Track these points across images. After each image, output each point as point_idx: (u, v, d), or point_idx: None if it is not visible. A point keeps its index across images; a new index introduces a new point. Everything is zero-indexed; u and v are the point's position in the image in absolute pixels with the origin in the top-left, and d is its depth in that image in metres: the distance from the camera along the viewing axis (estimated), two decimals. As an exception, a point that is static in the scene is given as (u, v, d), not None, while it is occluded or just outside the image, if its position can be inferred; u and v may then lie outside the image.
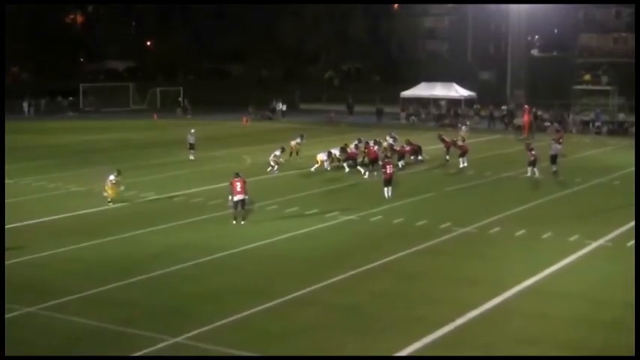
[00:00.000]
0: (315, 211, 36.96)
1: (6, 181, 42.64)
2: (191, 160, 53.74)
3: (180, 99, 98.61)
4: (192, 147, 54.80)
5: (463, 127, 67.14)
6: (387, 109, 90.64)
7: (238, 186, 34.07)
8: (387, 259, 28.81)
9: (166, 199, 40.31)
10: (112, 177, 37.87)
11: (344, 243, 31.52)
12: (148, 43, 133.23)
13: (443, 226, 34.01)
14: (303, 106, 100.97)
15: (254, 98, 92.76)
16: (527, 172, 47.10)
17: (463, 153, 51.04)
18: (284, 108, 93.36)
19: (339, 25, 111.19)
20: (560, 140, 54.77)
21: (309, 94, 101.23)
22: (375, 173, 45.34)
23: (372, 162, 47.84)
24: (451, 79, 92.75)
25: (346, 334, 21.50)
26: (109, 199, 38.04)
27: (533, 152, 47.25)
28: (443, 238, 32.21)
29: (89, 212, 36.94)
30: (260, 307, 23.35)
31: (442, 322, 22.09)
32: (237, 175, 35.01)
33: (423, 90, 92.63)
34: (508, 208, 38.00)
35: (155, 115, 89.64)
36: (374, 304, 24.00)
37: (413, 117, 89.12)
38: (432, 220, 35.14)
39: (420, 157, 52.63)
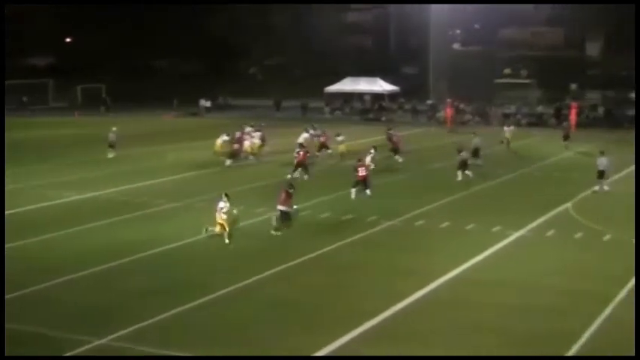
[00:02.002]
0: (243, 207, 37.17)
1: None
2: (112, 159, 53.25)
3: (103, 96, 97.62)
4: (112, 145, 54.30)
5: (505, 128, 61.99)
6: (312, 104, 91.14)
7: (282, 197, 32.87)
8: (318, 252, 29.38)
9: (89, 198, 39.95)
10: (221, 204, 30.98)
11: (274, 238, 31.90)
12: (68, 40, 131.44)
13: (369, 219, 34.67)
14: (227, 102, 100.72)
15: (178, 95, 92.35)
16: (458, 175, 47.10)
17: (396, 149, 51.71)
18: (208, 104, 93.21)
19: (262, 20, 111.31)
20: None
21: (233, 89, 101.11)
22: (306, 177, 45.15)
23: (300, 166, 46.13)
24: (375, 73, 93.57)
25: (282, 328, 21.94)
26: (222, 232, 30.91)
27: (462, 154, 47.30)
28: (371, 231, 32.90)
29: (8, 214, 35.29)
30: (193, 304, 23.57)
31: (376, 313, 22.67)
32: (290, 185, 33.82)
33: (347, 85, 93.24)
34: (432, 200, 38.83)
35: (76, 113, 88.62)
36: (308, 297, 24.52)
37: (337, 111, 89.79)
38: (358, 213, 35.78)
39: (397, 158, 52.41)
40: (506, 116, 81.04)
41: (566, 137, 58.73)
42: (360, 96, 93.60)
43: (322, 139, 53.95)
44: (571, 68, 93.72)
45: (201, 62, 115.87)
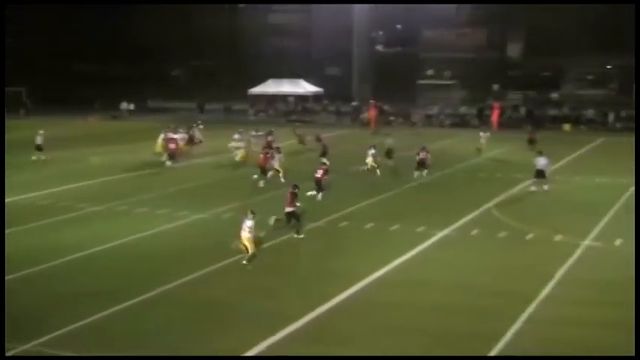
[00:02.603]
0: (166, 210, 36.92)
1: None
2: (37, 162, 52.55)
3: (24, 99, 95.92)
4: (39, 148, 53.56)
5: (481, 134, 59.77)
6: (236, 106, 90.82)
7: (288, 198, 32.70)
8: (241, 255, 29.06)
9: (11, 202, 39.11)
10: (248, 222, 27.99)
11: (198, 241, 31.69)
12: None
13: (293, 221, 34.46)
14: (151, 104, 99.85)
15: (101, 97, 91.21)
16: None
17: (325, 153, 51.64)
18: (132, 107, 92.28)
19: (186, 22, 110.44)
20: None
21: (157, 92, 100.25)
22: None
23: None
24: (298, 75, 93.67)
25: (204, 330, 21.76)
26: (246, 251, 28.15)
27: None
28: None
29: None
30: (116, 308, 23.29)
31: (300, 315, 22.57)
32: (294, 186, 33.38)
33: (270, 87, 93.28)
34: (356, 202, 38.87)
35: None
36: (231, 300, 24.34)
37: (261, 113, 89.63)
38: (282, 216, 35.55)
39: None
40: (430, 117, 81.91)
41: (531, 141, 57.78)
42: (283, 98, 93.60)
43: (270, 138, 54.15)
44: (493, 69, 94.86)
45: (124, 65, 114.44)
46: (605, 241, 31.10)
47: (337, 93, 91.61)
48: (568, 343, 20.71)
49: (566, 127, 76.65)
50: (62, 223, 34.98)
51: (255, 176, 44.14)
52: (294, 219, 32.65)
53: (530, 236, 32.03)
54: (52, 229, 33.78)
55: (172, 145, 51.87)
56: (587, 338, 20.97)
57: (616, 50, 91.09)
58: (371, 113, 77.19)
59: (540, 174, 41.96)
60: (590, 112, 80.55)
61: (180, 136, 54.95)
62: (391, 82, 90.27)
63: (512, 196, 41.06)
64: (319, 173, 39.92)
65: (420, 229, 33.11)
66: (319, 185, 39.71)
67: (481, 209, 37.16)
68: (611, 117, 78.66)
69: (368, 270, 27.01)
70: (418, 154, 46.41)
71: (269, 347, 20.51)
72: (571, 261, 28.28)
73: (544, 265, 27.63)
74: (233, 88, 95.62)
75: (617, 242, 30.79)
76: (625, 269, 27.11)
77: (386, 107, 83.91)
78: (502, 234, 32.38)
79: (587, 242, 30.93)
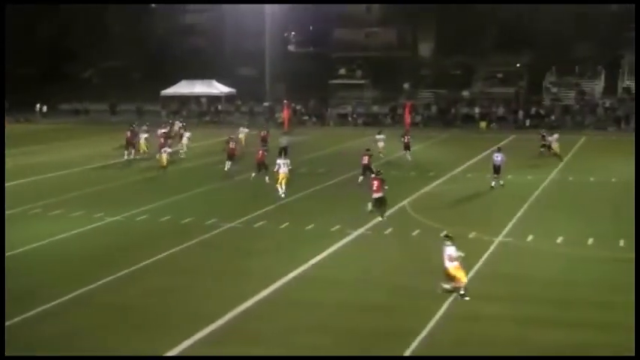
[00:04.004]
0: (81, 212, 36.41)
1: None
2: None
3: None
4: None
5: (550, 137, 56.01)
6: (149, 107, 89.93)
7: (375, 185, 34.96)
8: (158, 257, 28.89)
9: None
10: (449, 250, 24.57)
11: (113, 243, 31.27)
12: None
13: (209, 222, 34.34)
14: (64, 106, 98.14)
15: (12, 99, 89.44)
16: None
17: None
18: (44, 109, 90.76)
19: (98, 22, 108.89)
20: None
21: (69, 93, 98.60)
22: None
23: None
24: (211, 75, 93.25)
25: (122, 333, 21.52)
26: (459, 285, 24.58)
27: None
28: (211, 234, 32.55)
29: None
30: (33, 312, 22.93)
31: (217, 316, 22.40)
32: (377, 173, 36.42)
33: (183, 87, 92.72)
34: (271, 202, 38.81)
35: None
36: (148, 302, 24.11)
37: (174, 114, 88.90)
38: (197, 217, 35.40)
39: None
40: (343, 116, 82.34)
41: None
42: (196, 99, 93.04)
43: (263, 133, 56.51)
44: (404, 68, 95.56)
45: (35, 66, 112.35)
46: (517, 237, 31.51)
47: (250, 93, 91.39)
48: (482, 339, 20.90)
49: (482, 124, 77.70)
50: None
51: (253, 174, 44.58)
52: (382, 204, 34.93)
53: (444, 234, 32.20)
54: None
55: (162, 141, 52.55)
56: (501, 334, 21.19)
57: (525, 49, 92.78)
58: (285, 113, 77.17)
59: (497, 169, 42.78)
60: (500, 110, 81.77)
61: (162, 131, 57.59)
62: (304, 82, 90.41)
63: (426, 194, 41.43)
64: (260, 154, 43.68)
65: (335, 228, 33.14)
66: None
67: (395, 208, 37.32)
68: (520, 114, 79.89)
69: (284, 269, 26.93)
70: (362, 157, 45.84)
71: (184, 350, 20.31)
72: (484, 257, 28.59)
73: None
74: (145, 89, 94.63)
75: (529, 238, 31.25)
76: (536, 264, 27.56)
77: (299, 107, 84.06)
78: (416, 232, 32.59)
79: (500, 239, 31.31)
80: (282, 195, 39.92)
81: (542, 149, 54.28)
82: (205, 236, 32.15)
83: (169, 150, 50.11)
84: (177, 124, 61.63)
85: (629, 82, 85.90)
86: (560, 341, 20.59)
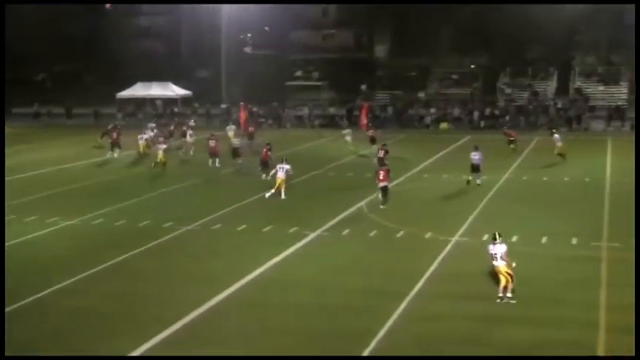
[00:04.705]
0: (34, 217, 36.04)
1: None
2: None
3: None
4: None
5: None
6: (105, 111, 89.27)
7: (381, 175, 37.96)
8: (115, 261, 28.73)
9: None
10: (497, 247, 24.05)
11: (69, 248, 31.05)
12: None
13: (166, 225, 34.19)
14: (15, 110, 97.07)
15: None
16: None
17: (214, 154, 51.53)
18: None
19: (52, 24, 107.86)
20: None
21: (22, 97, 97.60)
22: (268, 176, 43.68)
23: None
24: (168, 78, 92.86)
25: (79, 338, 21.39)
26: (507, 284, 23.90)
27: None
28: (168, 237, 32.40)
29: None
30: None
31: (175, 319, 22.32)
32: (382, 164, 40.83)
33: (139, 90, 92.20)
34: (228, 204, 38.69)
35: None
36: (106, 306, 23.95)
37: (130, 117, 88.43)
38: (154, 220, 35.24)
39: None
40: (300, 118, 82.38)
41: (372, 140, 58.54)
42: (152, 101, 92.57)
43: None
44: (361, 70, 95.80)
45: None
46: (472, 236, 31.72)
47: (207, 96, 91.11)
48: (440, 338, 21.02)
49: (443, 125, 78.09)
50: None
51: (264, 176, 44.69)
52: (385, 193, 38.06)
53: (400, 234, 32.42)
54: None
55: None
56: (459, 332, 21.32)
57: (480, 50, 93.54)
58: (241, 115, 76.91)
59: (475, 168, 43.04)
60: (456, 111, 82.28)
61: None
62: (261, 84, 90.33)
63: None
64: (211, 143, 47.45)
65: (293, 229, 33.14)
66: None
67: (352, 209, 37.44)
68: (475, 115, 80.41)
69: (242, 272, 26.88)
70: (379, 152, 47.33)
71: (144, 352, 20.24)
72: (441, 257, 28.76)
73: (415, 262, 28.01)
74: (101, 92, 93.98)
75: (485, 237, 31.40)
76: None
77: (256, 109, 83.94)
78: (373, 233, 32.68)
79: (456, 238, 31.51)
80: (266, 196, 40.26)
81: (511, 146, 56.05)
82: (163, 239, 32.00)
83: (164, 146, 51.24)
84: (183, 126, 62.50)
85: (580, 83, 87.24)
86: (517, 339, 20.78)
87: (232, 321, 22.62)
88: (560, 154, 51.60)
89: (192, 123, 64.31)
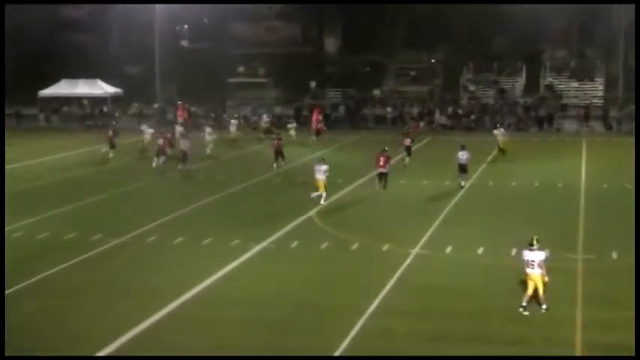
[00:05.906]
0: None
1: None
2: None
3: None
4: None
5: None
6: (26, 111, 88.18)
7: (381, 160, 42.86)
8: (39, 277, 28.41)
9: None
10: (533, 254, 24.00)
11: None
12: None
13: (94, 237, 33.84)
14: None
15: None
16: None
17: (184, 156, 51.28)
18: None
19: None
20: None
21: None
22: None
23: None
24: (95, 74, 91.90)
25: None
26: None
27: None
28: (97, 251, 32.08)
29: None
30: None
31: (108, 338, 22.19)
32: (383, 150, 43.56)
33: (63, 88, 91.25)
34: (163, 214, 38.37)
35: None
36: (32, 325, 23.76)
37: (53, 118, 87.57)
38: (81, 232, 34.88)
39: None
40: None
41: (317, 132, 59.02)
42: (78, 100, 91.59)
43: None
44: (309, 65, 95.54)
45: None
46: (434, 249, 31.73)
47: (139, 94, 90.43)
48: (397, 357, 21.05)
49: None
50: None
51: (276, 165, 50.92)
52: (384, 179, 43.23)
53: (355, 246, 32.34)
54: None
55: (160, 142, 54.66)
56: (415, 351, 21.28)
57: (439, 44, 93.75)
58: (179, 115, 76.45)
59: (463, 169, 43.88)
60: (414, 110, 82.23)
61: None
62: (199, 81, 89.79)
63: (335, 202, 41.37)
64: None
65: (235, 242, 32.94)
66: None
67: (301, 218, 37.34)
68: (437, 114, 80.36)
69: (180, 287, 26.70)
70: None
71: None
72: (400, 271, 28.70)
73: (372, 277, 27.95)
74: (21, 91, 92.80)
75: (448, 249, 31.48)
76: (455, 277, 27.78)
77: (194, 109, 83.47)
78: (325, 244, 32.59)
79: (417, 250, 31.48)
80: (312, 196, 40.81)
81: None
82: (92, 253, 31.67)
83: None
84: (179, 129, 63.19)
85: (550, 79, 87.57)
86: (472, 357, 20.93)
87: (171, 340, 22.40)
88: (502, 150, 52.35)
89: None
